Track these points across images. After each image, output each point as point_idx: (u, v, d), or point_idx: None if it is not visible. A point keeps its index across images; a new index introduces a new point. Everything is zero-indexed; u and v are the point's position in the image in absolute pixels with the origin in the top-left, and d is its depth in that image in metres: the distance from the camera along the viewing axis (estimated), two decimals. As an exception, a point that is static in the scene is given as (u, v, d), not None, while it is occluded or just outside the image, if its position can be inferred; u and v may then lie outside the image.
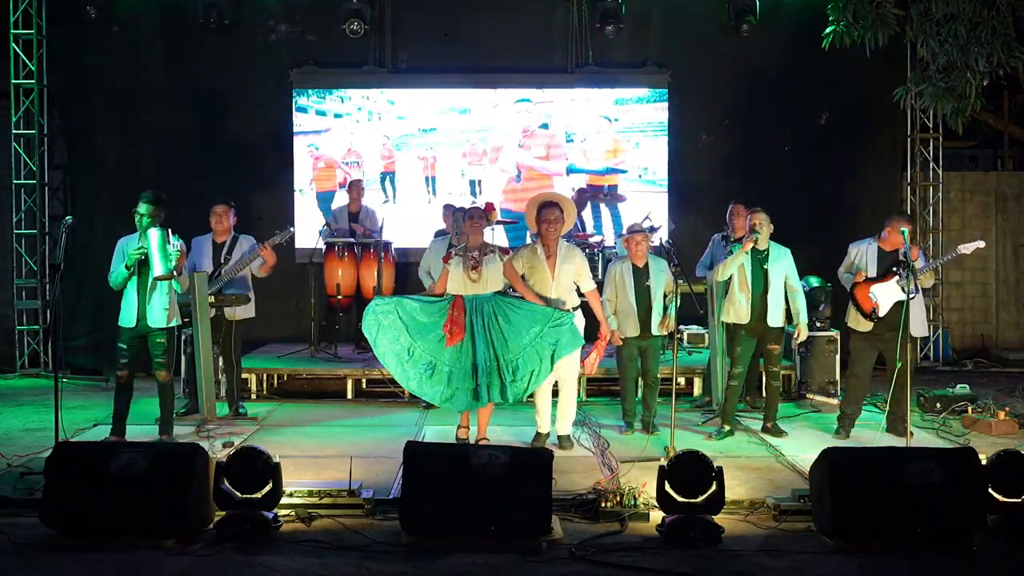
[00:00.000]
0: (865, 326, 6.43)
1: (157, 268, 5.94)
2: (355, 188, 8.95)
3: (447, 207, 8.24)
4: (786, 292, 6.45)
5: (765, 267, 6.37)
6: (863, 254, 6.50)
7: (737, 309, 6.42)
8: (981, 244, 6.47)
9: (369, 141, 9.70)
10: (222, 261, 6.89)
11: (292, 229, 7.09)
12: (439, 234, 7.96)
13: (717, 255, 7.39)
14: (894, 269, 6.32)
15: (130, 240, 6.12)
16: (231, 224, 7.01)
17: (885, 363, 6.53)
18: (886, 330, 6.34)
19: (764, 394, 6.96)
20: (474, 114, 9.67)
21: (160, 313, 6.10)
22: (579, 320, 6.07)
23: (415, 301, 5.95)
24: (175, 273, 6.01)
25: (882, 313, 6.34)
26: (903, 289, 6.24)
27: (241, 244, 6.97)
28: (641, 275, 6.55)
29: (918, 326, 6.47)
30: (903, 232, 6.21)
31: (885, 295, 6.34)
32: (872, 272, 6.42)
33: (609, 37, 9.41)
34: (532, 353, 5.73)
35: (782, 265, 6.41)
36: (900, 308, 6.27)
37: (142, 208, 6.05)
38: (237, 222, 7.11)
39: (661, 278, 6.55)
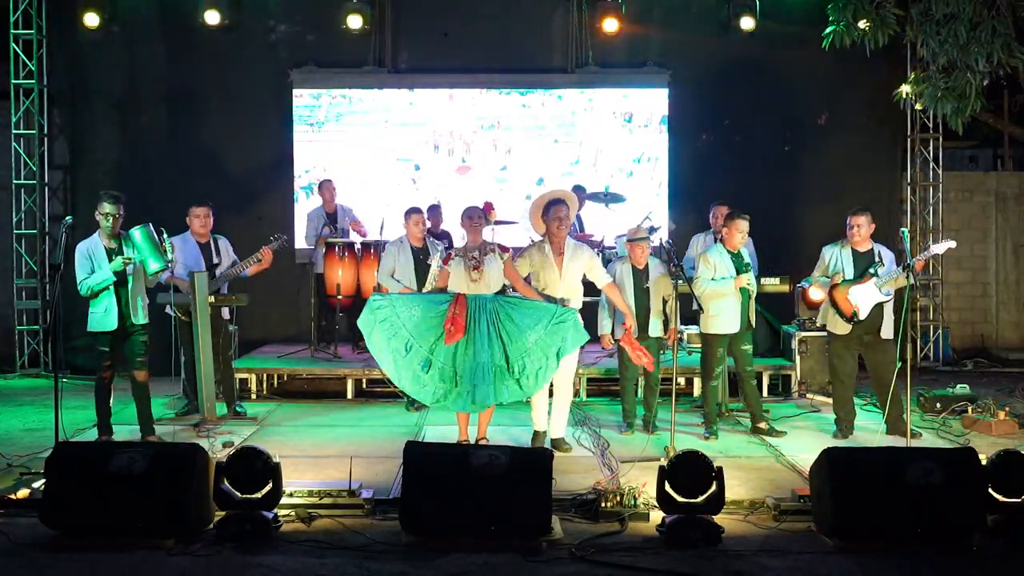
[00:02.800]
0: (843, 329, 6.36)
1: (152, 264, 5.95)
2: (327, 188, 8.79)
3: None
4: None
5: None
6: (837, 256, 6.40)
7: (725, 321, 6.40)
8: (952, 244, 6.42)
9: (371, 139, 9.70)
10: (214, 263, 6.90)
11: (284, 237, 7.19)
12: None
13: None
14: (870, 271, 6.25)
15: (93, 244, 6.05)
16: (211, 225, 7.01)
17: (866, 366, 6.52)
18: (863, 332, 6.31)
19: (744, 396, 6.86)
20: (477, 113, 9.69)
21: (142, 311, 6.14)
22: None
23: (416, 296, 5.92)
24: (170, 264, 6.05)
25: (862, 316, 6.26)
26: (880, 290, 6.22)
27: (223, 245, 7.00)
28: (641, 277, 6.54)
29: (887, 330, 6.31)
30: (903, 232, 6.20)
31: (864, 297, 6.25)
32: (849, 274, 6.33)
33: (609, 37, 9.42)
34: (538, 351, 5.68)
35: (752, 263, 6.48)
36: (880, 310, 6.25)
37: (109, 208, 5.99)
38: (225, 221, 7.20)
39: (661, 280, 6.55)
